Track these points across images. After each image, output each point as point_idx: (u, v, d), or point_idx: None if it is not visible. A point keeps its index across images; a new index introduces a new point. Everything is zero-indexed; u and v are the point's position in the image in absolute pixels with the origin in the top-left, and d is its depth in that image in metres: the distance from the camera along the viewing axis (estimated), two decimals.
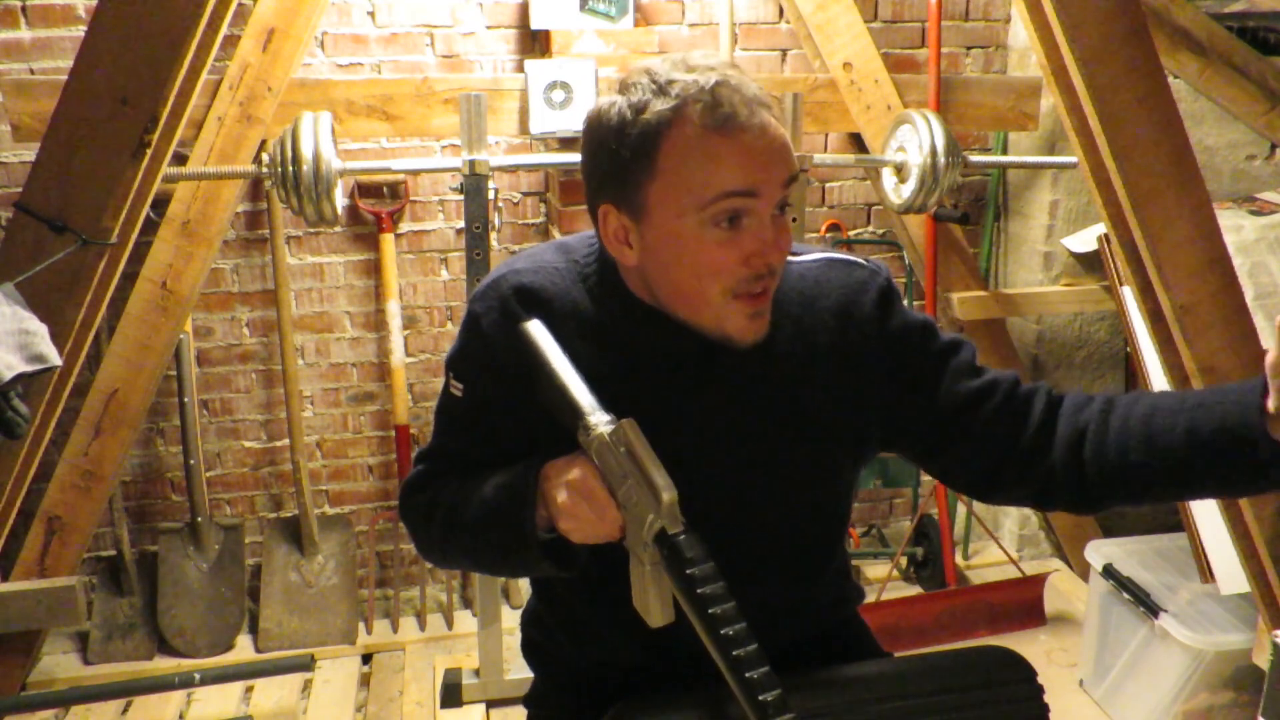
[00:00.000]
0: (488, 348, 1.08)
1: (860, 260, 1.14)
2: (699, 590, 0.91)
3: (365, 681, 2.61)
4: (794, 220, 2.10)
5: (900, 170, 2.44)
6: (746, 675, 0.87)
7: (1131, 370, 2.71)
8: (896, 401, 1.11)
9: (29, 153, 2.40)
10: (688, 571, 0.91)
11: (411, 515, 1.16)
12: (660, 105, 0.95)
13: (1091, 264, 2.70)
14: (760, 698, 0.87)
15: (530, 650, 1.29)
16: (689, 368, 1.06)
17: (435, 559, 1.19)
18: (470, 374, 1.11)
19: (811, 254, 1.14)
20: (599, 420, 0.97)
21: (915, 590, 2.91)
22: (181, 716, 2.43)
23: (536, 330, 1.04)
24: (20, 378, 1.55)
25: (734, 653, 0.88)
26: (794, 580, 1.16)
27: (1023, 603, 2.75)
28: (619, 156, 0.97)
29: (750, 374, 1.07)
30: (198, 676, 2.23)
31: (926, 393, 1.10)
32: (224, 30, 1.92)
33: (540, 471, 1.02)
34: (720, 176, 0.95)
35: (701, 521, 0.95)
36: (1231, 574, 2.05)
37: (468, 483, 1.10)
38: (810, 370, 1.08)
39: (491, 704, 2.42)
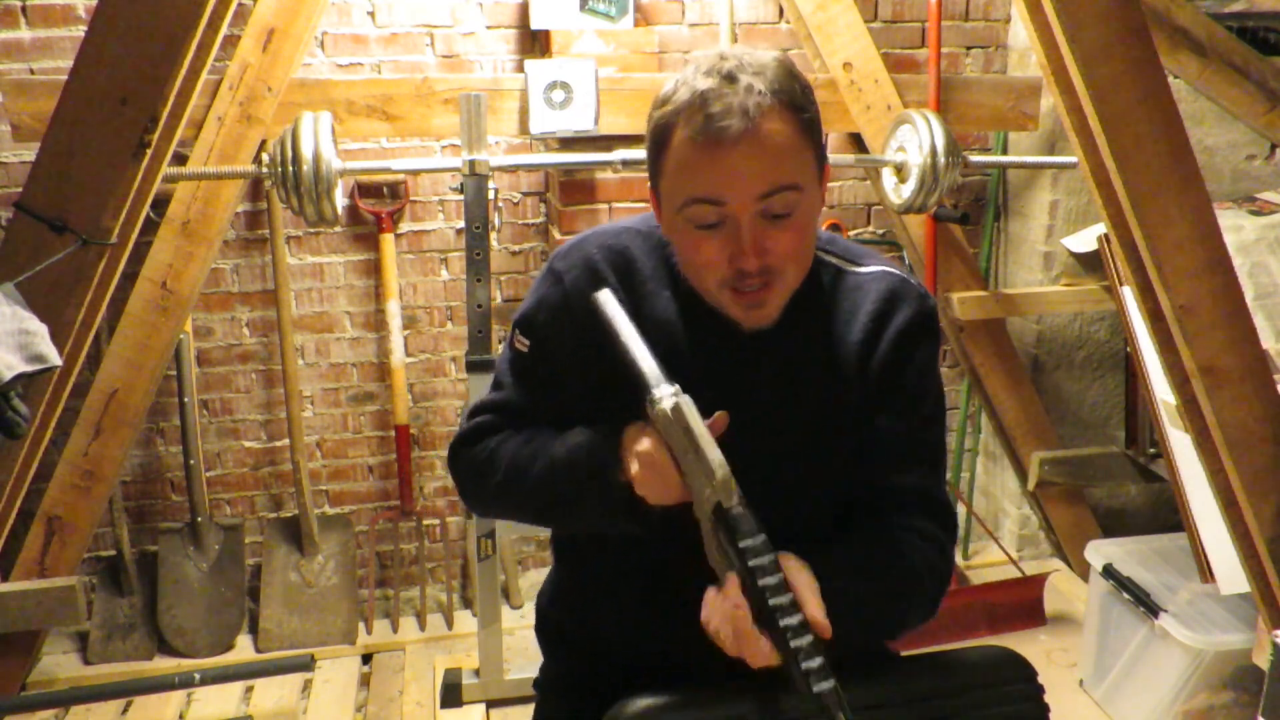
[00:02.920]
0: (567, 303, 1.13)
1: (913, 282, 1.16)
2: (750, 562, 0.95)
3: (365, 681, 2.61)
4: None
5: (900, 170, 2.44)
6: (793, 644, 0.92)
7: (1131, 370, 2.71)
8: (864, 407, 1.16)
9: (29, 153, 2.40)
10: (740, 545, 0.96)
11: (464, 467, 1.20)
12: (673, 105, 1.00)
13: (1091, 264, 2.70)
14: (804, 665, 0.91)
15: (545, 631, 1.31)
16: (732, 350, 1.11)
17: (482, 508, 1.24)
18: (542, 330, 1.15)
19: (870, 265, 1.16)
20: (663, 394, 1.01)
21: None
22: (181, 716, 2.43)
23: (607, 300, 1.08)
24: (20, 378, 1.55)
25: (782, 622, 0.92)
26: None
27: (1023, 603, 2.74)
28: (649, 145, 1.06)
29: (785, 363, 1.11)
30: (198, 676, 2.23)
31: (866, 417, 1.14)
32: (224, 30, 1.92)
33: (620, 437, 1.07)
34: (691, 183, 1.00)
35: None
36: (1231, 574, 2.05)
37: (535, 440, 1.14)
38: (841, 367, 1.12)
39: (491, 704, 2.42)
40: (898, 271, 1.16)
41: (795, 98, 1.00)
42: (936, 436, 1.17)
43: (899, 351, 1.12)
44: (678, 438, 1.00)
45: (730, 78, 0.98)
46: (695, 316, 1.11)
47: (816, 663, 0.91)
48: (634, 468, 1.04)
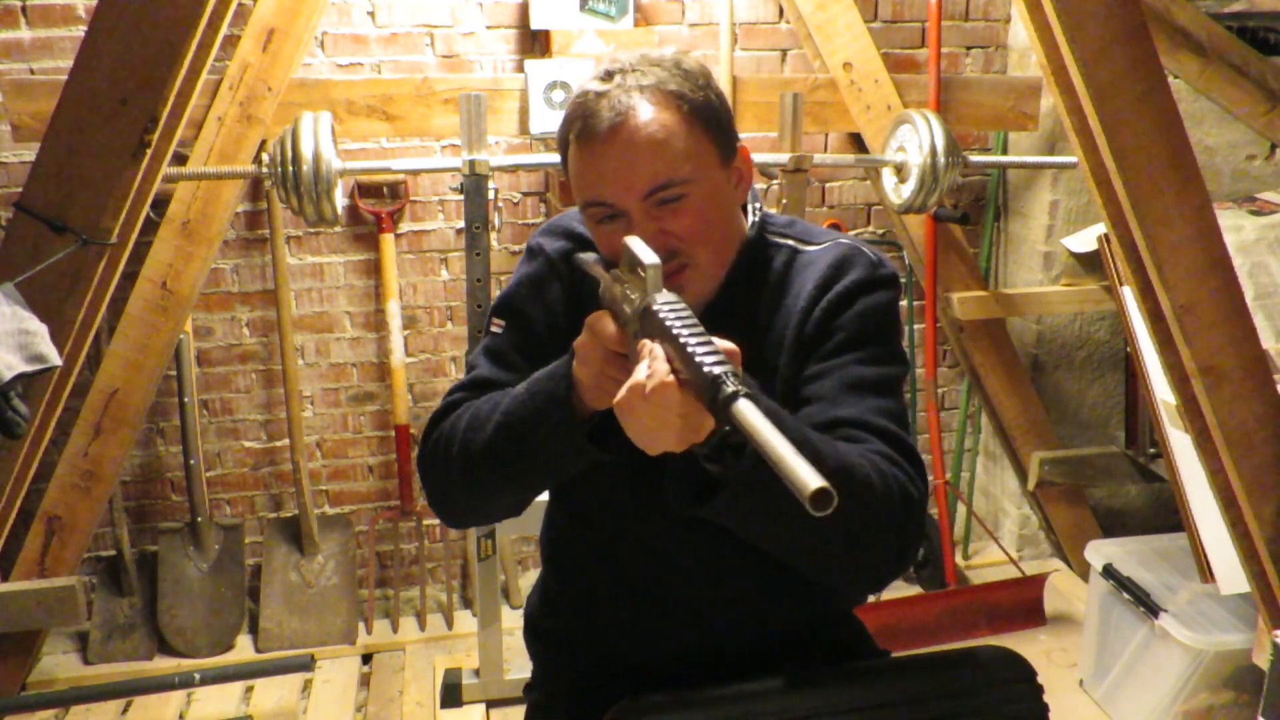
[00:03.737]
0: (552, 268, 1.16)
1: (867, 250, 1.13)
2: (665, 319, 0.87)
3: (365, 681, 2.61)
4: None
5: (900, 170, 2.44)
6: (698, 358, 0.83)
7: (1131, 370, 2.71)
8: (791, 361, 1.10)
9: (29, 153, 2.40)
10: (655, 308, 0.88)
11: (432, 450, 1.12)
12: (566, 111, 1.06)
13: (1091, 264, 2.70)
14: (709, 371, 0.81)
15: (534, 636, 1.30)
16: None
17: (444, 497, 1.13)
18: (520, 304, 1.16)
19: (823, 242, 1.14)
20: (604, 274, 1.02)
21: (915, 590, 2.90)
22: (181, 716, 2.43)
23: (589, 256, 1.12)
24: (20, 378, 1.55)
25: (691, 352, 0.84)
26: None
27: (1023, 603, 2.75)
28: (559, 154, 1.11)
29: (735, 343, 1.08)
30: (198, 676, 2.23)
31: (796, 369, 1.09)
32: (224, 30, 1.92)
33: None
34: (582, 186, 1.06)
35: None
36: (1231, 574, 2.05)
37: (496, 397, 1.09)
38: (787, 341, 1.10)
39: (491, 704, 2.42)
40: (850, 242, 1.13)
41: (675, 89, 1.02)
42: (886, 377, 1.08)
43: (839, 305, 1.08)
44: (617, 290, 0.97)
45: (608, 76, 1.03)
46: None
47: (725, 368, 0.81)
48: (579, 355, 0.98)
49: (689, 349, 0.83)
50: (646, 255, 0.93)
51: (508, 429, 1.03)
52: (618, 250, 1.02)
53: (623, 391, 0.88)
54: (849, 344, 1.07)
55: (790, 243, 1.15)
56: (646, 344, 0.89)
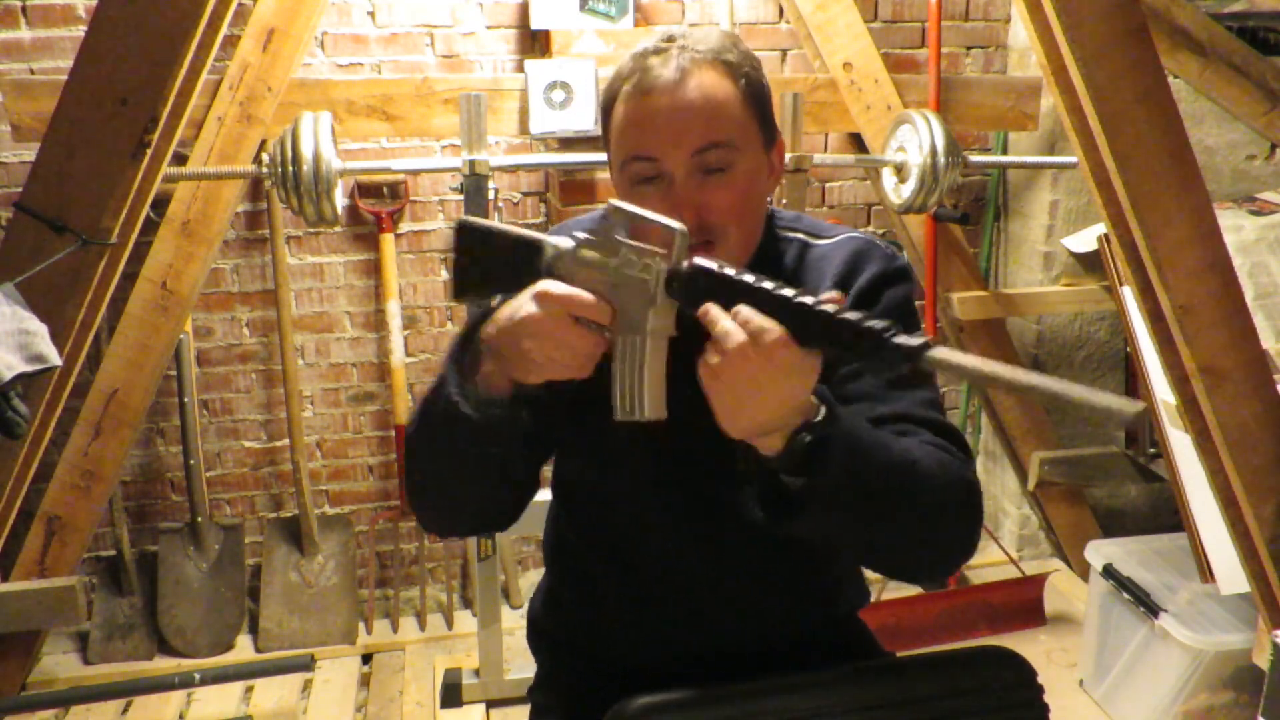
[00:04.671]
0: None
1: (880, 243, 1.13)
2: (747, 280, 0.82)
3: (365, 681, 2.61)
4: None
5: (900, 170, 2.44)
6: (840, 318, 0.79)
7: (1131, 370, 2.71)
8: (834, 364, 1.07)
9: (29, 153, 2.39)
10: (725, 272, 0.83)
11: (405, 464, 1.08)
12: (617, 73, 1.04)
13: (1091, 264, 2.71)
14: (868, 325, 0.78)
15: (537, 638, 1.30)
16: (698, 327, 1.04)
17: (417, 491, 1.08)
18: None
19: (835, 236, 1.14)
20: (562, 242, 0.92)
21: (915, 590, 2.90)
22: (181, 716, 2.43)
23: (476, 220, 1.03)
24: (20, 378, 1.55)
25: (812, 306, 0.80)
26: (802, 567, 1.17)
27: (1023, 603, 2.75)
28: (600, 119, 1.08)
29: None
30: (198, 676, 2.23)
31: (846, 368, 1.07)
32: (224, 30, 1.92)
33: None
34: (627, 141, 1.02)
35: (701, 495, 0.95)
36: (1231, 574, 2.05)
37: None
38: None
39: (491, 704, 2.42)
40: (862, 235, 1.13)
41: (734, 60, 1.02)
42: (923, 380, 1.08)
43: (863, 299, 1.07)
44: (593, 260, 0.89)
45: (669, 39, 1.02)
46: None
47: (875, 323, 0.78)
48: (510, 317, 0.89)
49: (813, 305, 0.78)
50: (668, 220, 0.87)
51: (433, 407, 0.98)
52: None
53: (715, 357, 0.81)
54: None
55: (800, 236, 1.14)
56: (713, 309, 0.82)
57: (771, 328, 0.80)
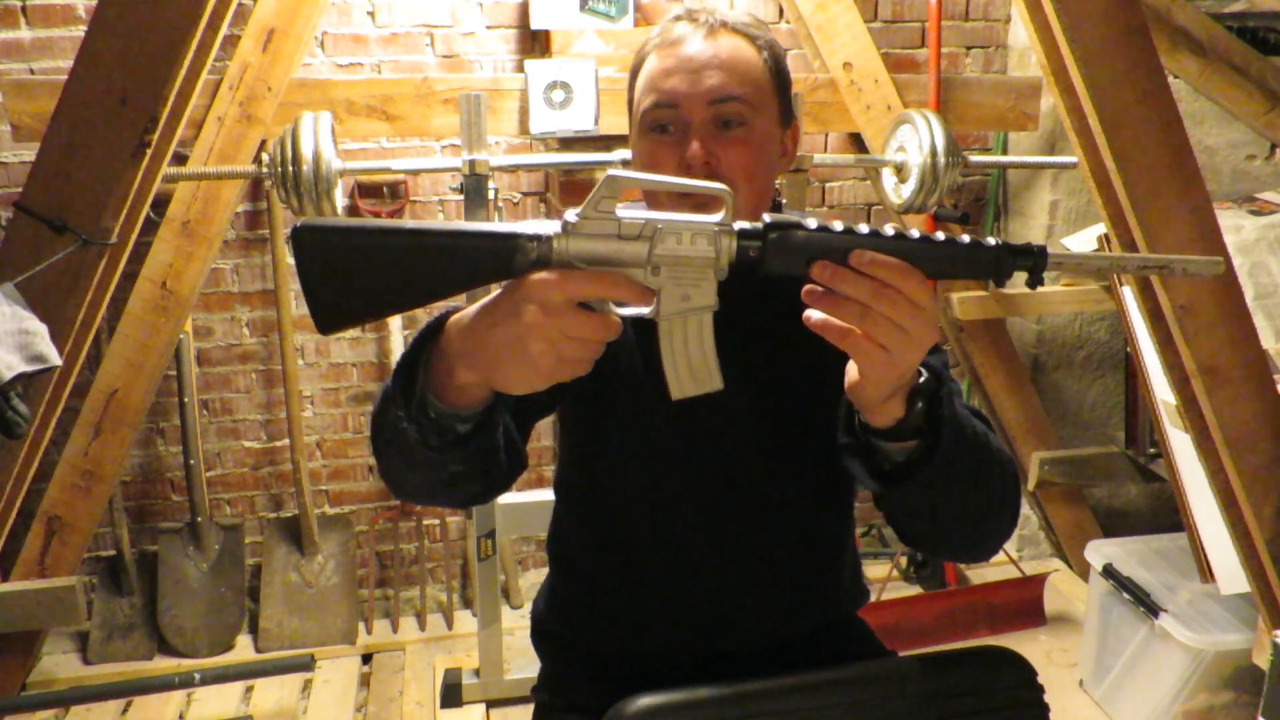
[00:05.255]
0: None
1: None
2: (844, 229, 0.78)
3: (365, 681, 2.61)
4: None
5: (900, 170, 2.44)
6: (967, 246, 0.79)
7: (1131, 370, 2.71)
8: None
9: (29, 153, 2.40)
10: (816, 230, 0.78)
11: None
12: (647, 39, 1.07)
13: None
14: (993, 243, 0.80)
15: (540, 636, 1.31)
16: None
17: (393, 476, 0.99)
18: None
19: None
20: (543, 227, 0.78)
21: (915, 590, 2.91)
22: (181, 716, 2.43)
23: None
24: (20, 378, 1.55)
25: (925, 242, 0.79)
26: (803, 567, 1.17)
27: (1023, 603, 2.75)
28: (629, 84, 1.10)
29: (753, 334, 1.08)
30: (198, 676, 2.24)
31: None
32: (224, 30, 1.92)
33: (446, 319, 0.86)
34: (650, 87, 1.04)
35: (706, 494, 0.94)
36: (1231, 574, 2.05)
37: None
38: (809, 336, 1.06)
39: (491, 704, 2.42)
40: None
41: (761, 35, 1.06)
42: (945, 363, 1.10)
43: None
44: (612, 235, 0.78)
45: (701, 7, 1.06)
46: None
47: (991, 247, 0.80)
48: (505, 320, 0.77)
49: (935, 238, 0.78)
50: (709, 184, 0.80)
51: (375, 419, 0.94)
52: (662, 164, 1.01)
53: (853, 315, 0.77)
54: None
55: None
56: (827, 265, 0.77)
57: (906, 267, 0.77)
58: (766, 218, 0.79)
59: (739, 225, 0.79)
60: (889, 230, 0.80)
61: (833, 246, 0.78)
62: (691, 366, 0.83)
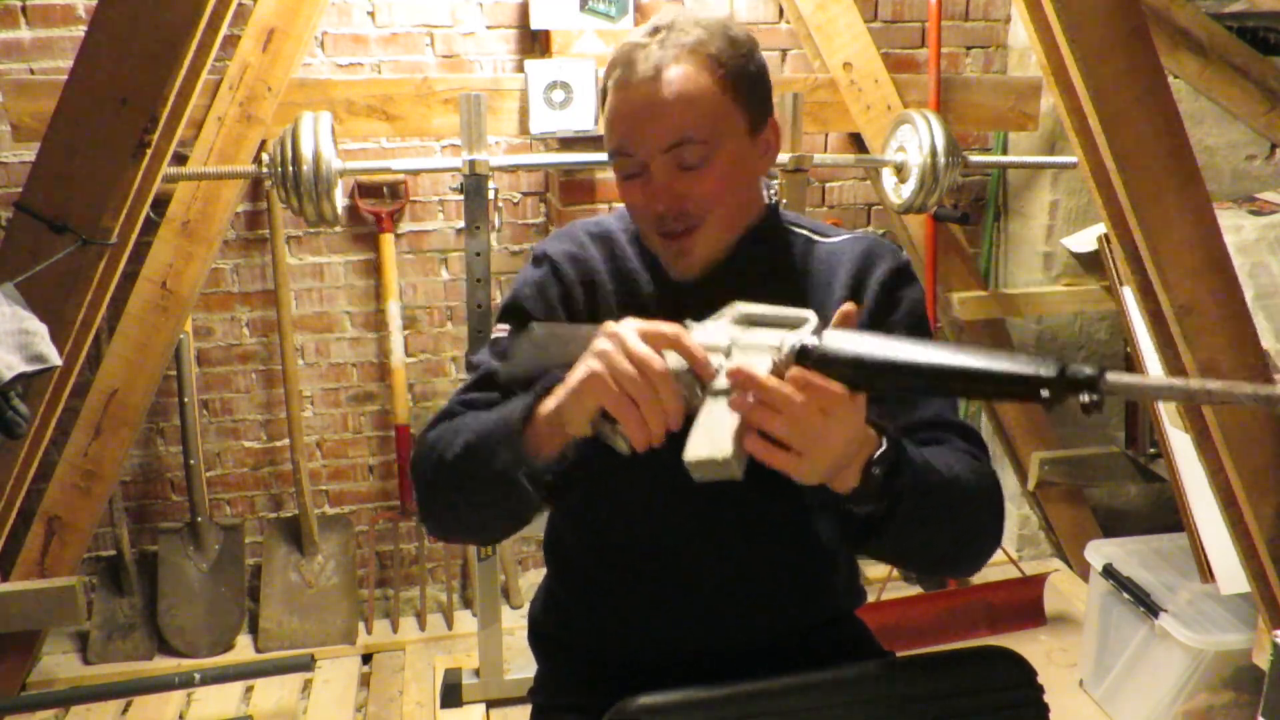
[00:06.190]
0: (556, 272, 1.15)
1: (885, 242, 1.16)
2: (894, 356, 0.81)
3: (365, 681, 2.61)
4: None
5: (900, 170, 2.44)
6: (1004, 369, 0.76)
7: (1131, 370, 2.71)
8: None
9: (29, 153, 2.39)
10: (860, 348, 0.83)
11: (415, 460, 1.09)
12: (610, 62, 1.07)
13: (1091, 264, 2.70)
14: (1038, 373, 0.74)
15: (538, 638, 1.30)
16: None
17: (430, 511, 1.10)
18: (525, 304, 1.14)
19: (840, 235, 1.17)
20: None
21: (915, 590, 2.90)
22: (181, 716, 2.43)
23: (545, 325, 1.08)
24: (20, 378, 1.55)
25: (970, 367, 0.78)
26: (801, 567, 1.17)
27: (1023, 603, 2.75)
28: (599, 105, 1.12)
29: None
30: (198, 676, 2.24)
31: None
32: (224, 30, 1.92)
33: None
34: (612, 135, 1.07)
35: (701, 495, 0.95)
36: (1231, 574, 2.05)
37: (478, 413, 1.06)
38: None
39: (491, 704, 2.42)
40: (869, 234, 1.17)
41: (715, 51, 1.03)
42: (918, 311, 1.15)
43: (887, 296, 1.11)
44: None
45: (654, 31, 1.04)
46: (673, 293, 1.11)
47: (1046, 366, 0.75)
48: (597, 364, 0.89)
49: (977, 366, 0.77)
50: (797, 310, 0.90)
51: (468, 450, 1.01)
52: (632, 208, 1.09)
53: (777, 424, 0.83)
54: (907, 326, 1.11)
55: (804, 232, 1.17)
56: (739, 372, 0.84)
57: (824, 385, 0.82)
58: (813, 340, 0.84)
59: (800, 344, 0.85)
60: (932, 358, 0.79)
61: (853, 367, 0.83)
62: (725, 450, 0.87)
